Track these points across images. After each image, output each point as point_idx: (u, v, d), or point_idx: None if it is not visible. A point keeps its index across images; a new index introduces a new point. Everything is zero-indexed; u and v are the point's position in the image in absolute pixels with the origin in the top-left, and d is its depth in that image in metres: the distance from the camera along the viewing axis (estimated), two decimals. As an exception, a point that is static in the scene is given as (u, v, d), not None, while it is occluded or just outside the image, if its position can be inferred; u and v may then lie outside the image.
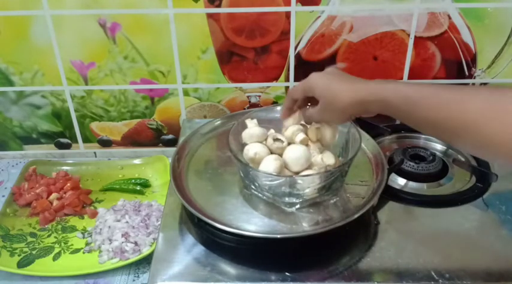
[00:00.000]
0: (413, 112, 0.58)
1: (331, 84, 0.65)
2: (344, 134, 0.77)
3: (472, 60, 0.95)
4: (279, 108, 0.82)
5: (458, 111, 0.54)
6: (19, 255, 0.81)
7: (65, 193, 0.92)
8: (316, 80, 0.67)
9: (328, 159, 0.72)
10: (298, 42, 0.94)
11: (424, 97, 0.57)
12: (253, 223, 0.70)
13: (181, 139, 0.89)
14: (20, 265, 0.79)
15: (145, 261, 0.80)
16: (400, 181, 0.82)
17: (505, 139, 0.50)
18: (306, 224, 0.69)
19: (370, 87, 0.62)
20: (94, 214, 0.89)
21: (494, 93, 0.54)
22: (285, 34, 0.93)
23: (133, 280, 0.78)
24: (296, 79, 0.97)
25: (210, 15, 0.91)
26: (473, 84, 0.98)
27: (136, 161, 1.02)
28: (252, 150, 0.72)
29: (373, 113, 0.64)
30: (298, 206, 0.72)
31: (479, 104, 0.53)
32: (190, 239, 0.71)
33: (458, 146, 0.58)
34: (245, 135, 0.75)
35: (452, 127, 0.55)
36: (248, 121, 0.76)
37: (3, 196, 0.94)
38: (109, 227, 0.84)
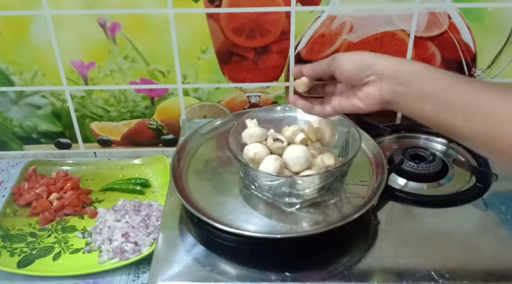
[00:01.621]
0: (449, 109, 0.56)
1: (363, 56, 0.62)
2: (344, 134, 0.77)
3: (472, 60, 0.95)
4: (279, 108, 0.82)
5: (495, 106, 0.53)
6: (19, 255, 0.81)
7: (65, 193, 0.92)
8: (374, 59, 0.61)
9: (328, 160, 0.72)
10: (298, 42, 0.94)
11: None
12: (253, 223, 0.70)
13: (181, 139, 0.89)
14: (20, 265, 0.79)
15: (145, 261, 0.80)
16: (400, 181, 0.82)
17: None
18: (306, 225, 0.69)
19: (413, 66, 0.59)
20: (94, 214, 0.89)
21: (502, 93, 0.52)
22: (285, 34, 0.93)
23: (133, 280, 0.78)
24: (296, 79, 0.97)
25: (210, 15, 0.91)
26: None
27: (136, 161, 1.02)
28: (252, 150, 0.72)
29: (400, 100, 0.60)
30: (298, 206, 0.72)
31: (488, 107, 0.52)
32: (190, 239, 0.71)
33: (474, 143, 0.56)
34: (245, 135, 0.75)
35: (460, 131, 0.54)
36: (248, 121, 0.76)
37: (3, 196, 0.94)
38: (109, 227, 0.84)
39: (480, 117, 0.53)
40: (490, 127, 0.52)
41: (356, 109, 0.64)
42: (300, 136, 0.73)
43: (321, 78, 0.69)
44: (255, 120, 0.76)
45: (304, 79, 0.68)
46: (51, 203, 0.90)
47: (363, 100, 0.63)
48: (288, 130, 0.75)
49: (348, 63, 0.62)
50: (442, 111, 0.56)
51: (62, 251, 0.82)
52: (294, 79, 0.70)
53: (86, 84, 0.98)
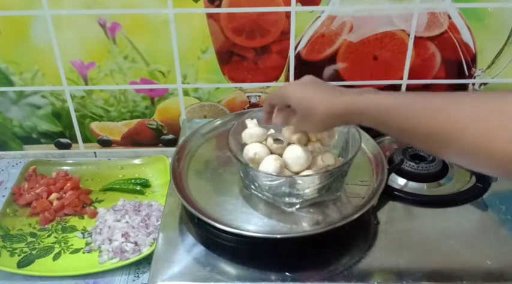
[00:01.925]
0: (390, 123, 0.56)
1: (307, 96, 0.64)
2: (344, 134, 0.77)
3: (472, 60, 0.95)
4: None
5: (434, 119, 0.52)
6: (19, 255, 0.81)
7: (65, 193, 0.92)
8: (292, 91, 0.65)
9: (328, 160, 0.72)
10: (298, 42, 0.94)
11: (399, 107, 0.55)
12: (253, 223, 0.70)
13: (181, 139, 0.89)
14: (20, 265, 0.79)
15: (145, 261, 0.80)
16: (400, 181, 0.82)
17: (483, 146, 0.48)
18: (306, 225, 0.69)
19: (345, 99, 0.60)
20: (94, 214, 0.89)
21: (466, 98, 0.52)
22: (285, 34, 0.93)
23: (133, 280, 0.78)
24: (296, 79, 0.97)
25: (210, 15, 0.91)
26: (473, 84, 0.98)
27: (136, 161, 1.02)
28: (252, 150, 0.72)
29: (353, 124, 0.63)
30: (298, 206, 0.72)
31: (455, 112, 0.51)
32: (190, 239, 0.71)
33: (436, 154, 0.56)
34: (245, 135, 0.75)
35: (430, 135, 0.53)
36: (248, 121, 0.76)
37: (3, 196, 0.94)
38: (109, 227, 0.84)
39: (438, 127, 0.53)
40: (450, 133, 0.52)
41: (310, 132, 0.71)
42: (297, 135, 0.72)
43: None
44: (255, 120, 0.76)
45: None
46: (51, 203, 0.90)
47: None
48: (288, 130, 0.75)
49: (295, 100, 0.65)
50: (400, 134, 0.57)
51: (62, 251, 0.82)
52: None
53: (86, 84, 0.98)
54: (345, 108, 0.60)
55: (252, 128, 0.75)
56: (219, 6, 0.89)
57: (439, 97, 0.54)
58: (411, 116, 0.54)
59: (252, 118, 0.77)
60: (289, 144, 0.74)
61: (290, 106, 0.66)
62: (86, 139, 1.06)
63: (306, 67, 0.96)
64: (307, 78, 0.68)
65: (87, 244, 0.84)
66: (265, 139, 0.75)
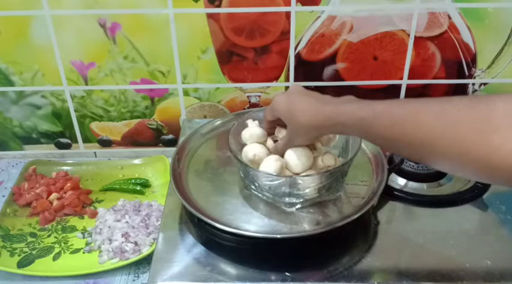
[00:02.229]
0: (370, 133, 0.56)
1: (290, 106, 0.64)
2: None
3: (472, 60, 0.95)
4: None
5: (410, 127, 0.51)
6: (19, 255, 0.81)
7: (65, 193, 0.92)
8: (278, 102, 0.66)
9: (328, 160, 0.72)
10: (298, 42, 0.94)
11: (377, 116, 0.55)
12: (253, 223, 0.70)
13: (181, 139, 0.89)
14: (20, 265, 0.79)
15: (145, 261, 0.80)
16: (400, 181, 0.82)
17: (458, 152, 0.48)
18: (306, 224, 0.69)
19: (327, 110, 0.60)
20: (94, 214, 0.89)
21: (444, 104, 0.51)
22: (285, 34, 0.93)
23: (134, 280, 0.78)
24: (296, 79, 0.97)
25: (210, 15, 0.91)
26: (473, 84, 0.98)
27: (136, 161, 1.02)
28: (251, 151, 0.72)
29: (338, 134, 0.63)
30: (298, 206, 0.72)
31: (430, 118, 0.50)
32: (190, 239, 0.71)
33: (420, 162, 0.55)
34: (245, 135, 0.75)
35: (410, 144, 0.52)
36: (249, 122, 0.76)
37: (3, 196, 0.94)
38: (109, 227, 0.84)
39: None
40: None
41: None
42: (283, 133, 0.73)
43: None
44: (256, 121, 0.76)
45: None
46: (51, 203, 0.90)
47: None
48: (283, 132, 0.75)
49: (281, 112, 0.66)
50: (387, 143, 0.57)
51: (62, 251, 0.82)
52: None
53: (86, 84, 0.98)
54: (327, 120, 0.60)
55: (252, 128, 0.75)
56: (219, 6, 0.89)
57: (420, 104, 0.53)
58: (391, 125, 0.53)
59: (253, 120, 0.77)
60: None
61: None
62: (86, 139, 1.06)
63: (306, 67, 0.96)
64: (293, 87, 0.67)
65: (87, 244, 0.84)
66: (265, 141, 0.75)
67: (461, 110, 0.49)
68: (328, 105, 0.61)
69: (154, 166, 1.00)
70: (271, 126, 0.73)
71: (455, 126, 0.48)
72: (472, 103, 0.49)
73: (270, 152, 0.72)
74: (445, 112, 0.50)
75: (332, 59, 0.95)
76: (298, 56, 0.95)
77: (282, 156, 0.71)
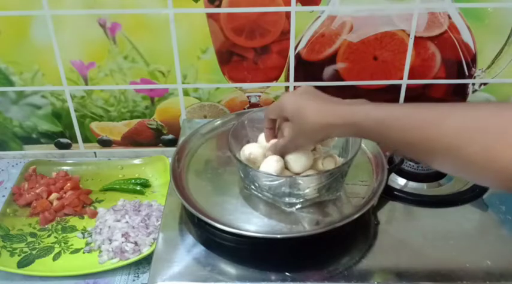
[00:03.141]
0: (387, 136, 0.55)
1: (301, 105, 0.63)
2: (344, 134, 0.77)
3: (472, 60, 0.95)
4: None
5: (434, 132, 0.51)
6: (19, 255, 0.81)
7: (65, 193, 0.92)
8: (287, 100, 0.65)
9: (328, 161, 0.72)
10: (298, 42, 0.94)
11: (397, 119, 0.54)
12: (253, 223, 0.70)
13: (181, 139, 0.89)
14: (20, 265, 0.79)
15: (145, 261, 0.80)
16: (400, 181, 0.82)
17: (485, 159, 0.47)
18: (306, 224, 0.69)
19: (341, 110, 0.59)
20: (94, 214, 0.89)
21: (469, 111, 0.51)
22: (285, 34, 0.93)
23: (133, 280, 0.78)
24: (296, 79, 0.97)
25: (210, 15, 0.91)
26: (473, 84, 0.98)
27: (136, 161, 1.02)
28: (247, 150, 0.73)
29: (346, 136, 0.62)
30: (298, 206, 0.72)
31: (455, 124, 0.50)
32: (190, 239, 0.71)
33: (438, 167, 0.55)
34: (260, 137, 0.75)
35: (429, 149, 0.52)
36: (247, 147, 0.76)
37: (3, 196, 0.94)
38: (109, 227, 0.84)
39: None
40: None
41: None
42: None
43: None
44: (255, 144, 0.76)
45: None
46: (51, 203, 0.90)
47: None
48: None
49: (288, 110, 0.65)
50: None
51: (62, 251, 0.82)
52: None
53: (86, 84, 0.98)
54: (340, 119, 0.59)
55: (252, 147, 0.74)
56: (219, 6, 0.89)
57: (444, 109, 0.53)
58: (412, 128, 0.53)
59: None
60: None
61: (287, 118, 0.66)
62: (86, 139, 1.06)
63: (306, 67, 0.96)
64: (304, 88, 0.66)
65: (87, 244, 0.84)
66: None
67: (488, 117, 0.48)
68: (342, 105, 0.60)
69: (154, 166, 1.00)
70: (271, 126, 0.72)
71: (483, 133, 0.48)
72: (499, 110, 0.49)
73: (268, 150, 0.72)
74: (473, 118, 0.49)
75: (332, 59, 0.95)
76: (298, 56, 0.95)
77: (280, 155, 0.70)
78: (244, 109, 1.02)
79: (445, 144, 0.50)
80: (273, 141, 0.72)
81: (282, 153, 0.70)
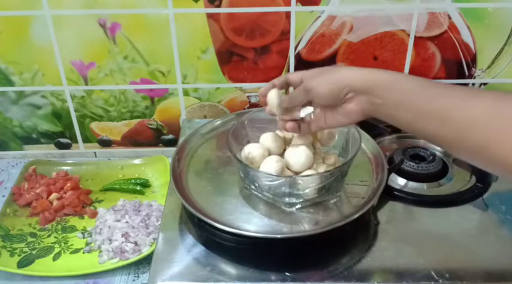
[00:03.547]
0: (411, 103, 0.56)
1: (333, 76, 0.61)
2: (344, 134, 0.77)
3: (472, 60, 0.95)
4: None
5: (464, 111, 0.52)
6: (19, 255, 0.81)
7: (65, 193, 0.92)
8: (314, 81, 0.63)
9: (328, 160, 0.72)
10: (298, 42, 0.94)
11: (424, 87, 0.56)
12: (253, 223, 0.70)
13: (181, 139, 0.89)
14: (20, 265, 0.79)
15: (145, 261, 0.80)
16: (400, 181, 0.82)
17: (492, 147, 0.49)
18: (306, 224, 0.69)
19: (373, 72, 0.60)
20: (94, 214, 0.89)
21: (499, 96, 0.52)
22: (285, 34, 0.93)
23: (133, 280, 0.78)
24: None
25: (210, 15, 0.91)
26: (473, 84, 0.98)
27: (136, 161, 1.02)
28: (247, 149, 0.73)
29: (371, 103, 0.60)
30: (298, 206, 0.72)
31: (483, 107, 0.51)
32: (190, 239, 0.71)
33: (453, 149, 0.55)
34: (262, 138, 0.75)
35: (443, 123, 0.53)
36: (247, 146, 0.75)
37: (3, 196, 0.94)
38: (109, 227, 0.84)
39: (448, 126, 0.53)
40: (457, 136, 0.53)
41: (342, 124, 0.65)
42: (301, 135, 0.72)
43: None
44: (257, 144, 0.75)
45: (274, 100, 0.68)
46: (51, 203, 0.90)
47: (346, 116, 0.63)
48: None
49: (323, 89, 0.62)
50: (414, 119, 0.56)
51: (62, 251, 0.82)
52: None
53: (86, 84, 0.98)
54: (374, 80, 0.59)
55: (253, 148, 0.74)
56: (219, 6, 0.89)
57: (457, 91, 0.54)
58: (431, 98, 0.54)
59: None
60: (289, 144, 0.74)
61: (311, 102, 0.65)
62: (86, 139, 1.06)
63: (306, 67, 0.94)
64: (316, 69, 0.65)
65: (87, 244, 0.84)
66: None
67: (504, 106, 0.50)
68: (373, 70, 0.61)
69: (154, 166, 1.00)
70: (292, 117, 0.69)
71: (491, 120, 0.50)
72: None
73: (282, 101, 0.68)
74: (499, 103, 0.50)
75: (332, 59, 0.95)
76: (298, 56, 0.95)
77: (290, 106, 0.68)
78: (244, 109, 1.02)
79: (471, 122, 0.51)
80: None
81: (294, 103, 0.67)
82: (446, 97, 0.55)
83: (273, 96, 0.68)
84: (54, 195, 0.91)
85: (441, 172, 0.83)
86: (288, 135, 0.76)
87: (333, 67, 0.65)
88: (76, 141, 1.06)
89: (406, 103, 0.57)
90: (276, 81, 0.70)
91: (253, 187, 0.74)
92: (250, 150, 0.72)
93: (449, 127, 0.53)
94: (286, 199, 0.71)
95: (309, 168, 0.71)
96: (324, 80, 0.63)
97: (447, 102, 0.54)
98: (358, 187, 0.76)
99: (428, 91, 0.56)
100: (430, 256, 0.68)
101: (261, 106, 1.01)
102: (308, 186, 0.70)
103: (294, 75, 0.68)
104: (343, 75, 0.61)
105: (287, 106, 0.68)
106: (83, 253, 0.82)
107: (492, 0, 0.88)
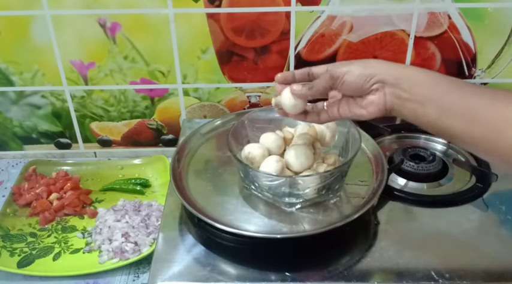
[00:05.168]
0: (437, 97, 0.56)
1: (398, 67, 0.61)
2: (344, 134, 0.77)
3: (472, 60, 0.95)
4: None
5: (496, 110, 0.52)
6: (19, 255, 0.81)
7: (65, 193, 0.92)
8: (377, 67, 0.61)
9: (328, 160, 0.72)
10: (298, 42, 0.94)
11: (453, 83, 0.56)
12: (253, 223, 0.70)
13: (181, 139, 0.89)
14: (20, 265, 0.79)
15: (145, 261, 0.80)
16: (400, 181, 0.82)
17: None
18: (306, 224, 0.69)
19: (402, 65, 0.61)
20: (94, 214, 0.89)
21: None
22: (285, 34, 0.93)
23: (133, 280, 0.78)
24: (296, 79, 0.97)
25: (210, 15, 0.91)
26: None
27: (136, 161, 1.02)
28: (247, 149, 0.73)
29: (399, 94, 0.59)
30: (298, 206, 0.72)
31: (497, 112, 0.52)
32: (190, 239, 0.71)
33: (480, 149, 0.55)
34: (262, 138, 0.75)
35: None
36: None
37: (3, 196, 0.94)
38: (109, 227, 0.84)
39: (478, 125, 0.53)
40: (488, 135, 0.52)
41: (357, 117, 0.64)
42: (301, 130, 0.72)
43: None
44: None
45: (295, 102, 0.66)
46: (51, 203, 0.90)
47: (365, 108, 0.62)
48: (288, 131, 0.75)
49: (351, 76, 0.61)
50: (442, 117, 0.56)
51: (62, 251, 0.82)
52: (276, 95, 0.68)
53: (86, 84, 0.98)
54: (403, 73, 0.59)
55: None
56: (219, 6, 0.89)
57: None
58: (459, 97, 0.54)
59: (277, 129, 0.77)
60: (290, 143, 0.74)
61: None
62: (86, 139, 1.06)
63: (306, 67, 0.96)
64: (343, 61, 0.65)
65: (87, 244, 0.84)
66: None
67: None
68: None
69: (154, 166, 1.00)
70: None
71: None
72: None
73: (301, 90, 0.65)
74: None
75: (332, 59, 0.95)
76: (298, 56, 0.95)
77: (309, 76, 0.66)
78: (244, 109, 1.02)
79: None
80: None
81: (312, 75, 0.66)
82: (477, 95, 0.54)
83: (287, 95, 0.66)
84: (54, 195, 0.91)
85: (441, 172, 0.83)
86: (288, 135, 0.76)
87: (362, 59, 0.64)
88: (76, 141, 1.06)
89: (434, 99, 0.56)
90: (298, 71, 0.68)
91: (253, 187, 0.74)
92: (250, 150, 0.72)
93: (480, 126, 0.53)
94: (286, 199, 0.71)
95: (309, 168, 0.71)
96: (353, 68, 0.62)
97: (477, 100, 0.54)
98: (358, 187, 0.76)
99: (457, 88, 0.56)
100: (430, 256, 0.68)
101: (261, 106, 1.01)
102: (308, 186, 0.70)
103: (318, 68, 0.66)
104: (373, 66, 0.61)
105: (307, 94, 0.65)
106: (83, 253, 0.82)
107: (492, 0, 0.88)
